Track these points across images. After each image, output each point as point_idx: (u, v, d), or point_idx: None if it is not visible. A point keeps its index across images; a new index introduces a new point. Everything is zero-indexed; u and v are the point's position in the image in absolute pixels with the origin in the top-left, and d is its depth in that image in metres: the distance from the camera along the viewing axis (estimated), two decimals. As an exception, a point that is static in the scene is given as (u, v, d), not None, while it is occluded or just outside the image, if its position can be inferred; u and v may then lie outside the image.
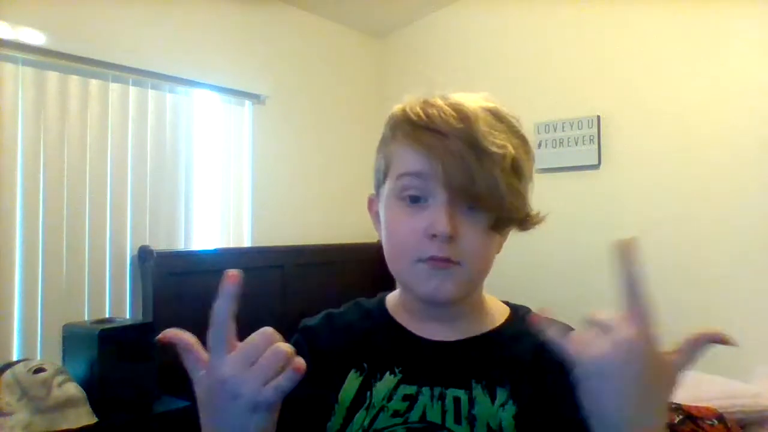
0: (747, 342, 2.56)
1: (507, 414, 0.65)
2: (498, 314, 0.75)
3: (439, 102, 0.73)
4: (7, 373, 1.91)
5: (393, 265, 0.72)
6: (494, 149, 0.64)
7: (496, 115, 0.72)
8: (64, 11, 2.35)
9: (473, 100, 0.73)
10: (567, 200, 2.91)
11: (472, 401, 0.66)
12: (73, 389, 1.95)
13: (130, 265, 2.54)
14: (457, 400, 0.67)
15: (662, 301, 2.21)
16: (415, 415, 0.66)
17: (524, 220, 0.72)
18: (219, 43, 2.91)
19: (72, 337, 2.13)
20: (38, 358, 2.19)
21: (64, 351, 2.14)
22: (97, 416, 1.96)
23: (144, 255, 2.50)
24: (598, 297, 2.86)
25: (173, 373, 2.53)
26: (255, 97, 3.05)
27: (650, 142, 2.65)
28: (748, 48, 2.41)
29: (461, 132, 0.65)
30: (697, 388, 2.08)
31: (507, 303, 0.79)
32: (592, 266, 2.82)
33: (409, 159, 0.68)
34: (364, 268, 3.53)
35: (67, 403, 1.91)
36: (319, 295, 3.17)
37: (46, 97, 2.29)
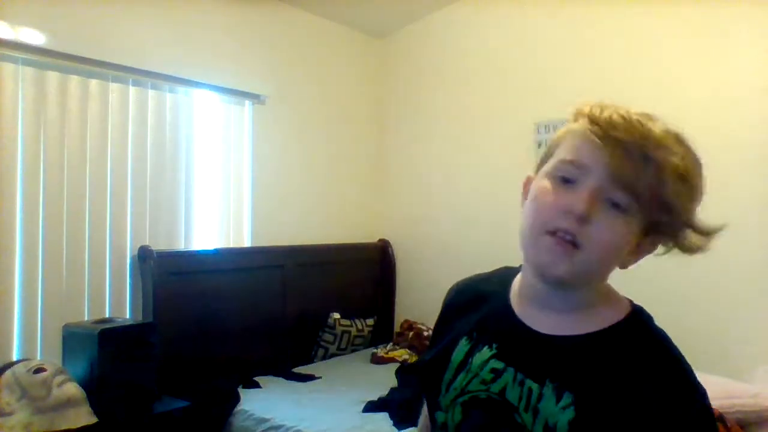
0: (747, 342, 2.56)
1: (564, 417, 0.68)
2: (612, 316, 0.74)
3: (627, 113, 0.72)
4: (7, 373, 1.92)
5: (523, 239, 0.76)
6: (665, 157, 0.67)
7: (677, 138, 0.73)
8: (64, 11, 2.35)
9: (659, 122, 0.72)
10: (567, 200, 2.91)
11: (540, 396, 0.70)
12: (73, 389, 1.95)
13: (130, 265, 2.54)
14: (530, 391, 0.71)
15: (663, 301, 2.21)
16: (496, 388, 0.74)
17: (681, 237, 0.73)
18: (219, 43, 2.91)
19: (72, 337, 2.13)
20: (38, 358, 2.19)
21: (64, 351, 2.14)
22: (97, 416, 1.96)
23: (144, 255, 2.50)
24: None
25: (173, 373, 2.55)
26: (255, 97, 3.05)
27: (650, 142, 2.65)
28: (748, 48, 2.41)
29: (638, 140, 0.67)
30: (697, 388, 2.08)
31: (632, 305, 0.77)
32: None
33: (576, 148, 0.71)
34: (364, 268, 3.54)
35: (67, 403, 1.91)
36: (319, 295, 3.18)
37: (46, 97, 2.29)
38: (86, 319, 2.34)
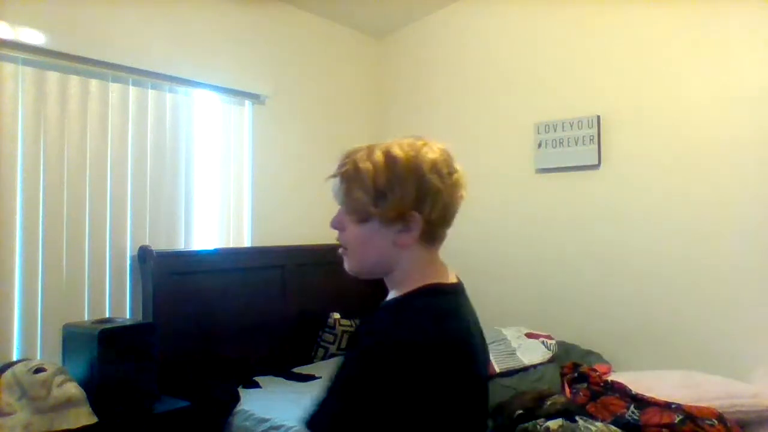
0: (747, 342, 2.56)
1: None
2: (396, 295, 0.89)
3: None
4: (7, 373, 1.91)
5: None
6: (338, 172, 0.93)
7: (346, 153, 0.95)
8: (64, 11, 2.35)
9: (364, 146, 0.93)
10: (567, 200, 2.91)
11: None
12: (73, 389, 1.95)
13: (130, 265, 2.54)
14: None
15: (663, 299, 2.22)
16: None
17: (380, 216, 0.86)
18: (219, 43, 2.91)
19: (72, 337, 2.13)
20: (38, 358, 2.19)
21: (64, 351, 2.14)
22: (97, 416, 1.96)
23: (144, 255, 2.50)
24: (598, 294, 2.87)
25: (173, 373, 2.55)
26: (255, 97, 3.05)
27: (650, 142, 2.65)
28: (748, 48, 2.41)
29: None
30: (697, 388, 2.08)
31: (419, 289, 0.86)
32: (592, 264, 2.82)
33: None
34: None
35: (67, 403, 1.91)
36: (319, 295, 3.18)
37: (46, 97, 2.29)
38: (86, 319, 2.34)
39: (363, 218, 0.87)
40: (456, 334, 0.82)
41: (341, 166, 0.91)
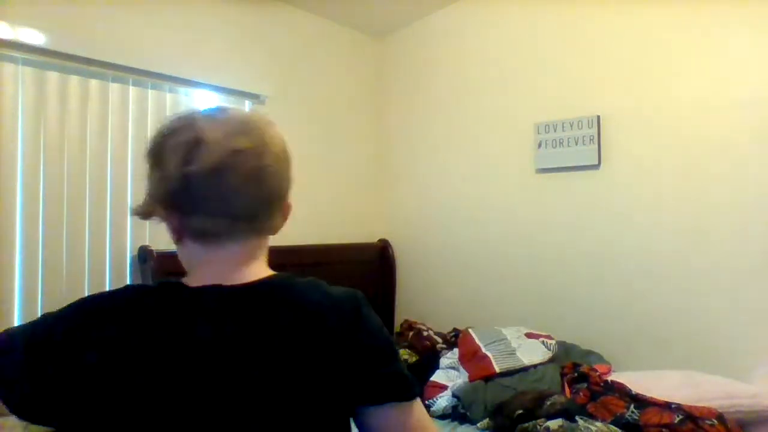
0: (747, 342, 2.56)
1: None
2: None
3: None
4: (7, 373, 1.91)
5: None
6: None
7: None
8: (64, 11, 2.35)
9: None
10: (567, 200, 2.91)
11: None
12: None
13: (130, 265, 2.54)
14: None
15: (663, 299, 2.22)
16: None
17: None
18: (219, 43, 2.91)
19: (72, 337, 2.12)
20: (38, 358, 2.19)
21: (64, 351, 2.14)
22: (97, 416, 1.96)
23: (144, 255, 2.50)
24: (598, 294, 2.87)
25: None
26: (255, 97, 3.05)
27: (650, 142, 2.65)
28: (747, 48, 2.41)
29: None
30: (697, 388, 2.08)
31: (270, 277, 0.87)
32: (592, 264, 2.82)
33: None
34: (364, 268, 3.54)
35: (67, 403, 1.91)
36: (319, 295, 3.18)
37: (46, 97, 2.29)
38: (86, 319, 2.34)
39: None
40: None
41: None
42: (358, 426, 0.82)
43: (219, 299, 0.80)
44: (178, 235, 0.87)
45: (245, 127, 0.83)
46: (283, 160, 0.87)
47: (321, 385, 0.77)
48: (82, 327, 0.79)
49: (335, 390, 0.78)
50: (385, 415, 0.79)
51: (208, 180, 0.78)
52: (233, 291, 0.81)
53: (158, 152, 0.81)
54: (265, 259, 0.91)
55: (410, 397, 0.80)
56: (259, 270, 0.87)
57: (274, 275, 0.88)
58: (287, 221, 0.93)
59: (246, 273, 0.84)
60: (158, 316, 0.78)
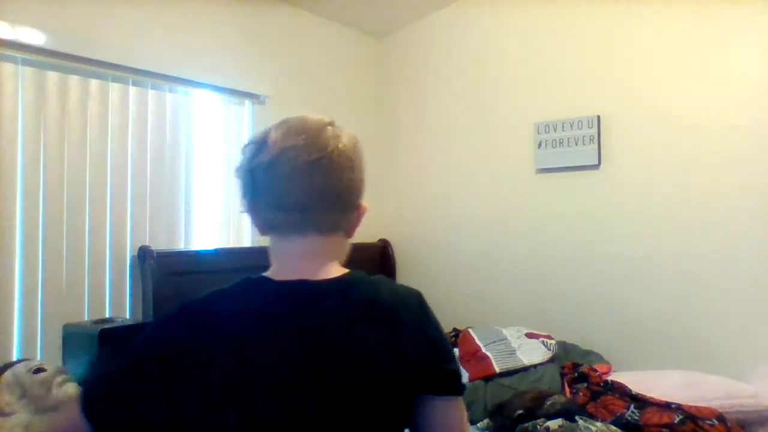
0: (747, 342, 2.56)
1: None
2: None
3: None
4: (7, 373, 1.91)
5: None
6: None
7: None
8: (64, 11, 2.35)
9: None
10: (567, 200, 2.91)
11: None
12: (73, 389, 1.95)
13: (130, 265, 2.54)
14: None
15: (663, 299, 2.22)
16: None
17: None
18: (219, 43, 2.91)
19: (72, 337, 2.12)
20: (38, 358, 2.19)
21: (64, 351, 2.14)
22: (97, 416, 1.95)
23: (144, 255, 2.50)
24: (598, 294, 2.87)
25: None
26: (255, 97, 3.05)
27: (650, 142, 2.65)
28: (748, 48, 2.41)
29: None
30: (697, 388, 2.08)
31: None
32: (592, 264, 2.82)
33: None
34: (364, 268, 3.53)
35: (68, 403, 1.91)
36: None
37: (46, 97, 2.29)
38: (86, 319, 2.34)
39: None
40: None
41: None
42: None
43: (308, 291, 0.90)
44: (259, 228, 0.97)
45: (303, 127, 0.91)
46: (344, 157, 0.93)
47: (397, 372, 0.86)
48: (206, 332, 0.92)
49: (407, 377, 0.87)
50: (443, 405, 0.89)
51: (266, 173, 0.89)
52: (317, 285, 0.91)
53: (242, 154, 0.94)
54: (340, 260, 0.99)
55: (462, 393, 0.92)
56: (332, 269, 0.95)
57: (348, 273, 0.97)
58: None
59: (321, 270, 0.93)
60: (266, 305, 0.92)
